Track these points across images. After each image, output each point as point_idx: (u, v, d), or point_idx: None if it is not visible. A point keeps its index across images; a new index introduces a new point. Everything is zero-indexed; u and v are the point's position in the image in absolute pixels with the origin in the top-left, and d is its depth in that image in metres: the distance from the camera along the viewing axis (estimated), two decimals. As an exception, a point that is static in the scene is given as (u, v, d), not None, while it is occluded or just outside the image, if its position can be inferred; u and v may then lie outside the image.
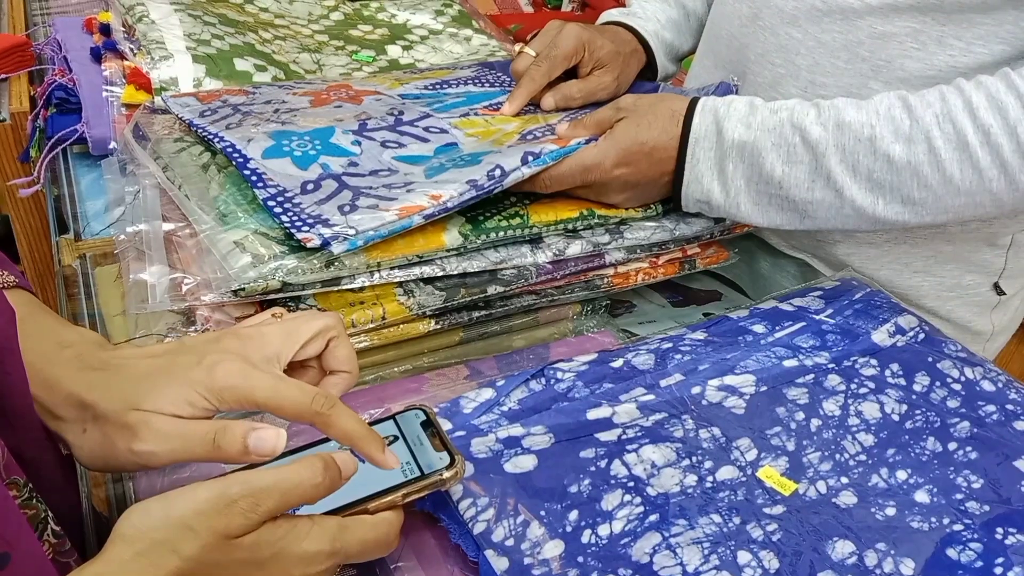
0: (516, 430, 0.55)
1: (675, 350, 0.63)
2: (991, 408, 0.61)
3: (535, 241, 0.66)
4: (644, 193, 0.69)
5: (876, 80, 0.73)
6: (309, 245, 0.57)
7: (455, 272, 0.63)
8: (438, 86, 0.83)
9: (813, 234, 0.83)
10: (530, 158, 0.65)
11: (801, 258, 0.84)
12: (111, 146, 0.74)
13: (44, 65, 1.08)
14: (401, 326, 0.63)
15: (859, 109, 0.65)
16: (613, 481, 0.52)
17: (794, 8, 0.75)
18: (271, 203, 0.61)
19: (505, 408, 0.57)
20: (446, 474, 0.46)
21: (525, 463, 0.52)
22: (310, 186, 0.63)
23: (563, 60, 0.79)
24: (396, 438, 0.49)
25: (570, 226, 0.67)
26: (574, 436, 0.55)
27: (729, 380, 0.60)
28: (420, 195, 0.61)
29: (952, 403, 0.61)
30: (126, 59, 0.94)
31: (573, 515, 0.50)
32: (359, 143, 0.69)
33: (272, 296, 0.57)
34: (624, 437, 0.55)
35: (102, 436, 0.44)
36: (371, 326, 0.61)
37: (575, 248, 0.67)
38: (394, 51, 1.07)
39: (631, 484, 0.52)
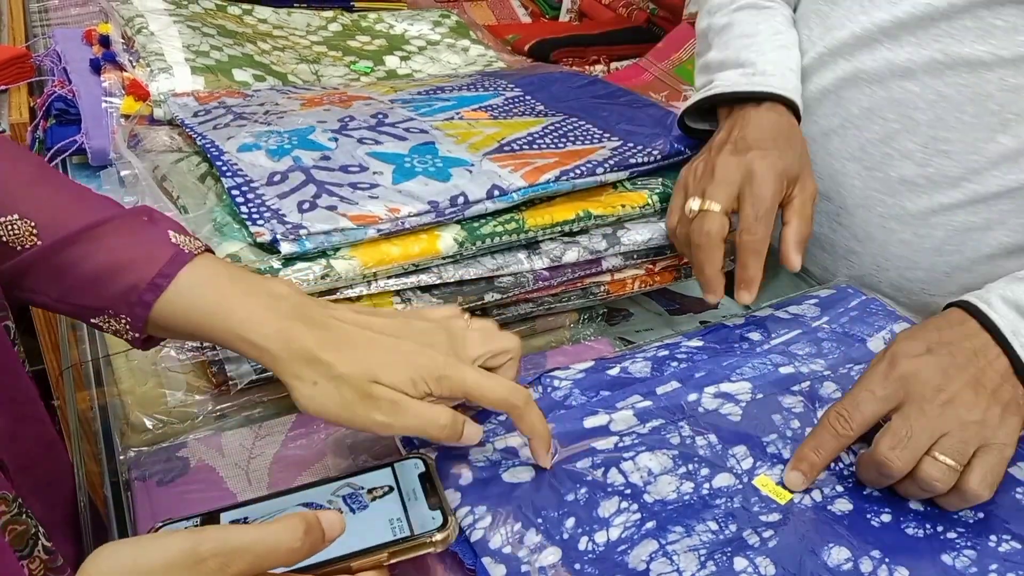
0: (514, 440, 0.55)
1: (671, 357, 0.63)
2: None
3: (531, 247, 0.66)
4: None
5: (1005, 134, 0.69)
6: (259, 239, 0.58)
7: (452, 280, 0.63)
8: (431, 92, 0.84)
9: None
10: (496, 192, 0.64)
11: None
12: (110, 157, 0.75)
13: (44, 76, 1.09)
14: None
15: None
16: (610, 489, 0.52)
17: (907, 60, 0.71)
18: (235, 192, 0.62)
19: (503, 417, 0.57)
20: (436, 536, 0.45)
21: (523, 475, 0.52)
22: (277, 177, 0.64)
23: (772, 211, 0.65)
24: (391, 489, 0.48)
25: (566, 228, 0.67)
26: (572, 444, 0.55)
27: (725, 387, 0.60)
28: (380, 205, 0.61)
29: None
30: (125, 71, 0.95)
31: (570, 522, 0.50)
32: (336, 139, 0.70)
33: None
34: (621, 445, 0.55)
35: (339, 396, 0.48)
36: (368, 335, 0.61)
37: (572, 255, 0.67)
38: (392, 62, 1.08)
39: (628, 491, 0.52)
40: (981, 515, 0.52)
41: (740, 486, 0.53)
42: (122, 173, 0.69)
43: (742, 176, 0.65)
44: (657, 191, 0.70)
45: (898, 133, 0.73)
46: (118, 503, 0.54)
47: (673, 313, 0.77)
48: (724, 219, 0.64)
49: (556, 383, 0.60)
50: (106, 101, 0.91)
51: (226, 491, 0.54)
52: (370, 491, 0.48)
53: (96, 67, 0.99)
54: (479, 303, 0.64)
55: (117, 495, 0.54)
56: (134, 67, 0.93)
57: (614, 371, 0.62)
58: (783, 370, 0.62)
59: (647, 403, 0.58)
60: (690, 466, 0.54)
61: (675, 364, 0.63)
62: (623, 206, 0.69)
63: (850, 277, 0.79)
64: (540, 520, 0.50)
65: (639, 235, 0.69)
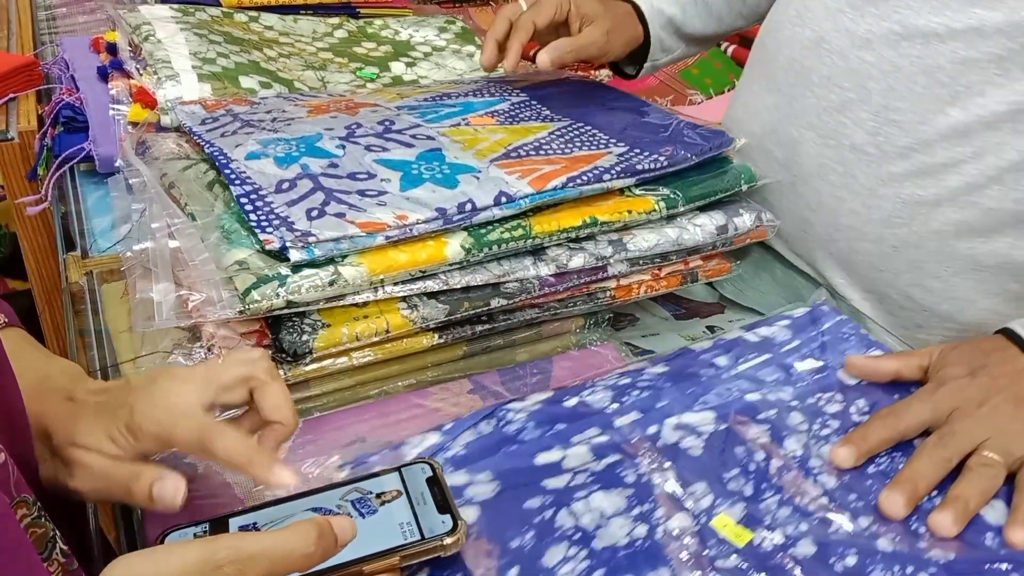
0: (461, 478, 0.53)
1: (633, 386, 0.61)
2: None
3: (537, 253, 0.67)
4: None
5: (954, 106, 0.70)
6: (268, 247, 0.58)
7: (458, 286, 0.63)
8: (438, 98, 0.84)
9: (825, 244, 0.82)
10: (503, 199, 0.65)
11: (805, 270, 0.84)
12: (117, 164, 0.75)
13: (52, 84, 1.09)
14: (405, 340, 0.63)
15: None
16: (558, 533, 0.50)
17: (867, 31, 0.73)
18: (243, 200, 0.62)
19: (452, 453, 0.55)
20: (447, 540, 0.46)
21: (467, 515, 0.50)
22: (285, 184, 0.64)
23: (548, 9, 0.82)
24: (400, 493, 0.48)
25: (573, 234, 0.67)
26: (521, 483, 0.53)
27: (687, 418, 0.58)
28: (388, 212, 0.62)
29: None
30: (132, 78, 0.95)
31: (513, 572, 0.48)
32: (343, 147, 0.70)
33: (277, 312, 0.58)
34: (573, 484, 0.53)
35: (54, 468, 0.47)
36: (375, 339, 0.61)
37: (578, 261, 0.67)
38: (397, 68, 1.08)
39: (577, 536, 0.50)
40: (952, 556, 0.50)
41: (697, 527, 0.51)
42: (130, 180, 0.69)
43: None
44: (663, 197, 0.71)
45: (852, 102, 0.75)
46: (125, 509, 0.54)
47: (679, 318, 0.77)
48: (517, 6, 0.84)
49: (511, 416, 0.58)
50: (113, 108, 0.92)
51: (234, 497, 0.54)
52: (379, 495, 0.49)
53: (103, 75, 0.99)
54: (485, 308, 0.64)
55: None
56: (141, 74, 0.93)
57: (572, 402, 0.60)
58: (749, 398, 0.60)
59: (604, 437, 0.56)
60: (645, 506, 0.52)
61: (636, 393, 0.60)
62: (629, 212, 0.69)
63: (807, 248, 0.83)
64: (482, 572, 0.48)
65: (645, 241, 0.69)
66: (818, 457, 0.56)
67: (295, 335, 0.58)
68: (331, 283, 0.58)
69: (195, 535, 0.46)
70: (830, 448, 0.56)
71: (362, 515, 0.46)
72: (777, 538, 0.50)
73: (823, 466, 0.56)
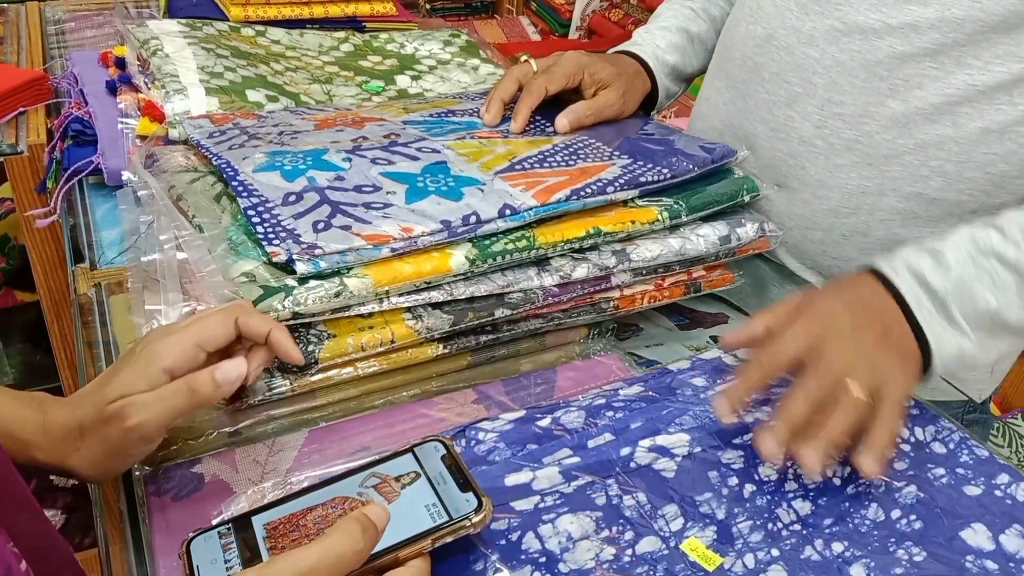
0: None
1: (607, 406, 0.61)
2: (940, 472, 0.58)
3: (541, 264, 0.67)
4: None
5: (894, 99, 0.73)
6: (276, 259, 0.59)
7: (463, 296, 0.64)
8: (443, 115, 0.84)
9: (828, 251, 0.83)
10: (508, 211, 0.65)
11: (810, 280, 0.84)
12: (125, 177, 0.76)
13: (61, 98, 1.11)
14: (410, 351, 0.64)
15: None
16: (524, 556, 0.49)
17: (811, 28, 0.77)
18: (251, 212, 0.63)
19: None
20: (475, 518, 0.46)
21: None
22: (292, 198, 0.65)
23: (561, 77, 0.82)
24: (418, 475, 0.49)
25: (576, 245, 0.67)
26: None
27: (661, 440, 0.57)
28: (393, 224, 0.62)
29: (899, 465, 0.58)
30: (141, 92, 0.96)
31: None
32: (350, 159, 0.71)
33: (284, 324, 0.58)
34: (541, 506, 0.52)
35: (96, 441, 0.49)
36: (380, 350, 0.62)
37: (581, 271, 0.67)
38: (403, 81, 1.09)
39: (542, 560, 0.49)
40: None
41: (666, 551, 0.50)
42: (139, 193, 0.70)
43: (556, 56, 0.85)
44: (666, 207, 0.71)
45: (799, 97, 0.78)
46: (133, 518, 0.55)
47: (683, 328, 0.77)
48: (530, 69, 0.84)
49: (481, 435, 0.58)
50: (122, 122, 0.93)
51: (234, 498, 0.55)
52: (397, 479, 0.49)
53: (112, 89, 1.00)
54: (489, 318, 0.65)
55: (132, 511, 0.55)
56: (149, 88, 0.94)
57: (545, 422, 0.59)
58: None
59: (575, 459, 0.56)
60: (614, 529, 0.51)
61: (610, 414, 0.60)
62: (633, 222, 0.69)
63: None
64: None
65: (648, 251, 0.70)
66: (794, 480, 0.56)
67: (301, 346, 0.59)
68: (337, 295, 0.59)
69: (220, 534, 0.47)
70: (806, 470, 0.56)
71: (387, 501, 0.46)
72: (748, 562, 0.50)
73: (798, 490, 0.55)
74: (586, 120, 0.82)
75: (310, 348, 0.59)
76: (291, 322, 0.58)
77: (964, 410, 0.86)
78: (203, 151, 0.72)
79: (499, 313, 0.65)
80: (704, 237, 0.72)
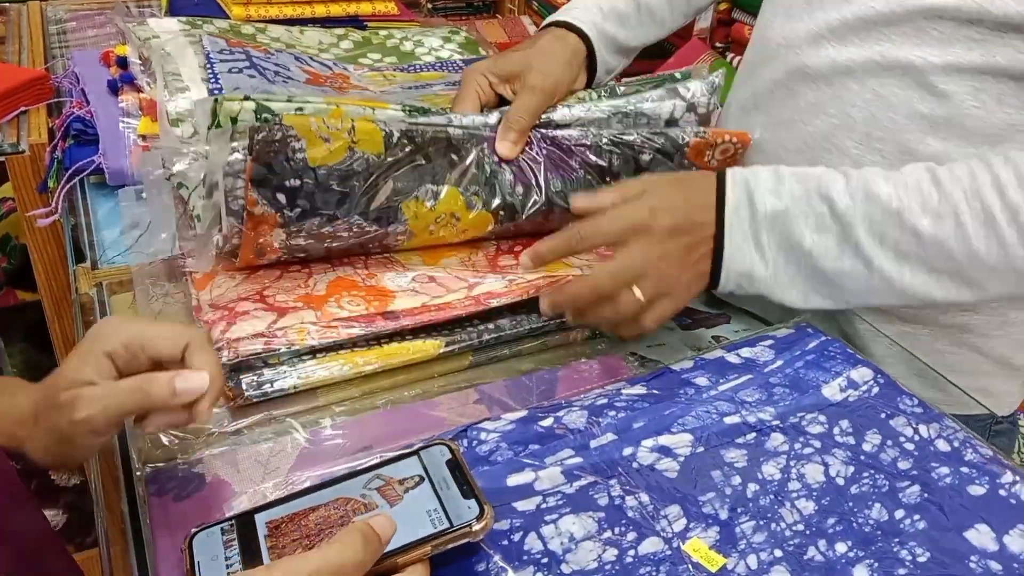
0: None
1: (610, 406, 0.60)
2: (944, 471, 0.57)
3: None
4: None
5: (934, 136, 0.71)
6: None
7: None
8: (424, 87, 0.86)
9: None
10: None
11: None
12: (128, 176, 0.76)
13: (62, 98, 1.10)
14: (411, 349, 0.64)
15: (888, 181, 0.64)
16: (526, 557, 0.49)
17: (849, 60, 0.74)
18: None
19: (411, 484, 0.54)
20: (476, 526, 0.46)
21: None
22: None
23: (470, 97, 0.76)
24: (422, 479, 0.49)
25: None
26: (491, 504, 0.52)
27: (664, 440, 0.57)
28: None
29: (903, 464, 0.57)
30: (142, 91, 0.96)
31: None
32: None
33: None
34: (544, 506, 0.52)
35: (48, 428, 0.49)
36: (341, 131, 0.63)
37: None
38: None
39: (544, 560, 0.49)
40: None
41: (668, 552, 0.50)
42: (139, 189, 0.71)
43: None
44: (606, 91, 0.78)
45: (837, 129, 0.76)
46: (134, 518, 0.55)
47: (686, 328, 0.77)
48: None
49: (483, 436, 0.58)
50: (123, 122, 0.93)
51: (234, 496, 0.55)
52: (401, 482, 0.49)
53: (114, 88, 1.00)
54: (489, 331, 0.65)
55: (134, 510, 0.55)
56: (151, 87, 0.94)
57: (547, 422, 0.59)
58: (728, 420, 0.59)
59: (577, 459, 0.55)
60: (616, 529, 0.51)
61: (613, 414, 0.60)
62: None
63: None
64: None
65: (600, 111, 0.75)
66: (797, 480, 0.56)
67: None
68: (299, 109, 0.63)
69: (223, 530, 0.47)
70: (811, 470, 0.56)
71: (389, 504, 0.46)
72: (751, 563, 0.50)
73: (802, 490, 0.55)
74: (521, 140, 0.73)
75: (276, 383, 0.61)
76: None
77: (991, 422, 0.85)
78: (209, 62, 0.78)
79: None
80: (654, 99, 0.77)
